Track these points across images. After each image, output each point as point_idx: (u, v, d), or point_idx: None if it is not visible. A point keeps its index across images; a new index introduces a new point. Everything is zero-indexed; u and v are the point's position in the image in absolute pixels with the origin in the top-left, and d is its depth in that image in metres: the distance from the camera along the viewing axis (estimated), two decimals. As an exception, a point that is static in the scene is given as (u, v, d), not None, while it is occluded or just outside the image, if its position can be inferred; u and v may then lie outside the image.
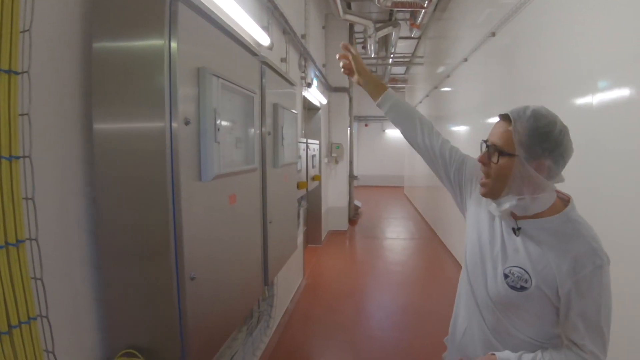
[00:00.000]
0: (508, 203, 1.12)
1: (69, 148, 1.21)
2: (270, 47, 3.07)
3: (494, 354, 1.12)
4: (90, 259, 1.28)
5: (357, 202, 9.70)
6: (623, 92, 2.01)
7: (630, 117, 1.93)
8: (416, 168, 11.14)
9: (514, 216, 1.17)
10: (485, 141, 1.14)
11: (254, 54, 1.88)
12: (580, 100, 2.37)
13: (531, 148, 1.06)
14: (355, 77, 1.49)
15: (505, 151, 1.09)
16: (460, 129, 5.69)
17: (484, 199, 1.24)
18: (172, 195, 1.15)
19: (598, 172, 2.15)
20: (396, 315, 4.24)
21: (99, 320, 1.30)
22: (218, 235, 1.43)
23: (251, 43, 1.81)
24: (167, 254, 1.17)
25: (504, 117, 1.12)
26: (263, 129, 1.96)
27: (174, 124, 1.14)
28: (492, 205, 1.18)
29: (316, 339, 3.66)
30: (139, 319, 1.25)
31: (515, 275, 1.12)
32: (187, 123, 1.18)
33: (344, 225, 8.26)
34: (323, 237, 7.20)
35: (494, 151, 1.11)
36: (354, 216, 9.08)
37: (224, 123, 1.41)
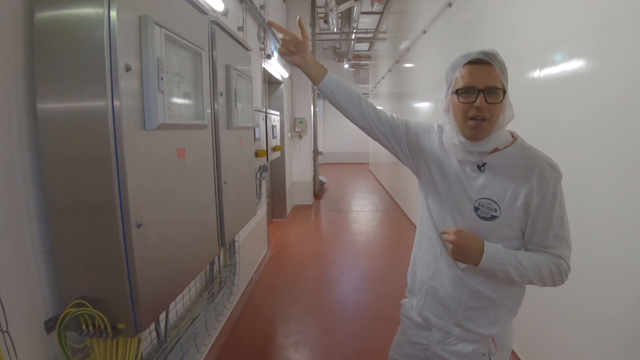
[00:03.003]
0: (503, 137, 1.22)
1: (11, 101, 1.19)
2: (225, 13, 3.03)
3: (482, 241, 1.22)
4: (38, 211, 1.27)
5: (322, 178, 9.79)
6: (579, 63, 2.05)
7: (587, 87, 1.99)
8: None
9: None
10: (478, 88, 1.16)
11: (203, 12, 1.86)
12: (538, 73, 2.41)
13: (506, 82, 1.19)
14: (295, 58, 1.36)
15: (505, 89, 1.18)
16: (423, 105, 5.76)
17: (440, 152, 1.35)
18: (115, 142, 1.15)
19: (559, 142, 2.21)
20: (359, 280, 4.38)
21: (49, 272, 1.30)
22: (166, 186, 1.44)
23: (202, 4, 1.80)
24: (112, 201, 1.18)
25: (479, 62, 1.17)
26: (214, 89, 1.96)
27: (114, 71, 1.14)
28: (466, 148, 1.24)
29: (281, 305, 3.74)
30: (90, 269, 1.25)
31: (485, 207, 1.23)
32: (127, 69, 1.18)
33: (309, 199, 8.34)
34: (288, 212, 7.26)
35: (497, 92, 1.16)
36: (319, 191, 9.17)
37: (170, 75, 1.42)
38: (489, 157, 1.24)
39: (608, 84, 1.83)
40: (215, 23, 1.97)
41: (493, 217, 1.23)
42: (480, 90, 1.15)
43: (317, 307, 3.72)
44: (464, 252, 1.21)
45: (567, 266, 1.22)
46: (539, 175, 1.19)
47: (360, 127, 1.44)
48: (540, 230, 1.21)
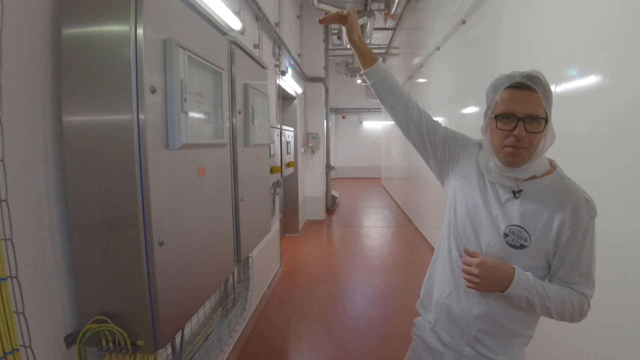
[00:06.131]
0: (542, 165, 1.18)
1: (38, 119, 1.23)
2: (242, 32, 3.09)
3: (514, 267, 1.17)
4: (60, 227, 1.30)
5: (334, 193, 9.79)
6: (590, 79, 2.06)
7: (598, 102, 1.99)
8: (393, 159, 11.29)
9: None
10: (518, 117, 1.12)
11: (223, 33, 1.91)
12: (553, 89, 2.40)
13: (550, 108, 1.14)
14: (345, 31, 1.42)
15: (548, 118, 1.13)
16: (436, 120, 5.69)
17: (474, 169, 1.30)
18: (140, 161, 1.18)
19: (572, 157, 2.20)
20: (371, 297, 4.34)
21: (70, 287, 1.33)
22: (187, 204, 1.46)
23: (221, 24, 1.85)
24: (135, 219, 1.20)
25: (523, 86, 1.12)
26: (233, 107, 1.99)
27: (140, 92, 1.17)
28: (501, 173, 1.21)
29: (293, 321, 3.73)
30: (110, 285, 1.28)
31: (515, 234, 1.18)
32: (153, 91, 1.21)
33: (321, 214, 8.34)
34: (300, 227, 7.26)
35: (538, 121, 1.12)
36: (331, 206, 9.17)
37: (191, 95, 1.45)
38: (526, 184, 1.20)
39: (620, 99, 1.83)
40: (234, 43, 2.01)
41: (522, 247, 1.18)
42: (521, 119, 1.11)
43: (329, 323, 3.70)
44: (488, 284, 1.17)
45: (589, 305, 1.18)
46: (573, 209, 1.14)
47: (399, 122, 1.46)
48: (567, 265, 1.17)
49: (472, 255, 1.22)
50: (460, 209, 1.31)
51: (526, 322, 1.27)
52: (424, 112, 1.43)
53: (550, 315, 1.18)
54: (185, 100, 1.34)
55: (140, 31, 1.18)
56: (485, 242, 1.23)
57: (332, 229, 7.78)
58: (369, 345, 3.27)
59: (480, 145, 1.35)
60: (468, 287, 1.21)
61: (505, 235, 1.19)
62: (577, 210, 1.14)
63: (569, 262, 1.17)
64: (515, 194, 1.20)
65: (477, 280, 1.17)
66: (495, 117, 1.16)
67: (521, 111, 1.11)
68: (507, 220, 1.20)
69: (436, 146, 1.40)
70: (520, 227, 1.18)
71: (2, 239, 1.05)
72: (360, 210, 9.86)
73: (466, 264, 1.22)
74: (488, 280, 1.16)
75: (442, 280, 1.37)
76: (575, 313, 1.16)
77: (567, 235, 1.15)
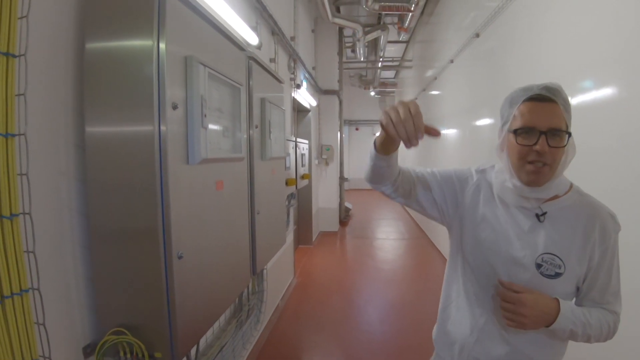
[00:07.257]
0: (563, 183, 1.11)
1: (61, 133, 1.26)
2: (259, 47, 3.14)
3: (556, 298, 1.07)
4: (81, 239, 1.32)
5: (347, 204, 9.77)
6: (605, 91, 2.05)
7: (612, 115, 1.98)
8: (406, 170, 11.22)
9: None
10: (540, 130, 1.02)
11: (241, 48, 1.94)
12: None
13: (570, 121, 1.06)
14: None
15: (570, 131, 1.05)
16: (450, 132, 5.76)
17: (484, 199, 1.19)
18: (160, 175, 1.21)
19: (585, 170, 2.18)
20: (384, 310, 4.30)
21: (89, 298, 1.35)
22: (205, 218, 1.48)
23: (239, 39, 1.88)
24: (155, 232, 1.22)
25: (542, 98, 1.04)
26: (250, 121, 2.02)
27: (162, 109, 1.20)
28: (521, 193, 1.10)
29: (306, 333, 3.72)
30: (129, 297, 1.29)
31: (548, 263, 1.08)
32: (174, 107, 1.24)
33: (334, 226, 8.31)
34: (314, 238, 7.25)
35: (561, 135, 1.03)
36: (344, 217, 9.14)
37: (211, 111, 1.48)
38: (549, 206, 1.11)
39: (635, 111, 1.81)
40: (252, 58, 2.05)
41: (557, 275, 1.08)
42: (543, 132, 1.01)
43: (342, 336, 3.67)
44: (534, 322, 1.06)
45: (619, 321, 1.12)
46: (601, 228, 1.08)
47: (403, 201, 1.27)
48: (600, 286, 1.10)
49: (511, 288, 1.08)
50: (474, 247, 1.19)
51: (557, 353, 1.18)
52: (415, 177, 1.26)
53: (588, 341, 1.10)
54: (205, 116, 1.37)
55: (162, 47, 1.20)
56: (514, 277, 1.12)
57: (345, 241, 7.75)
58: (382, 358, 3.24)
59: (483, 173, 1.24)
60: (509, 325, 1.08)
61: (538, 265, 1.09)
62: (605, 228, 1.08)
63: (601, 282, 1.10)
64: (539, 217, 1.11)
65: (524, 320, 1.05)
66: (515, 131, 1.06)
67: (543, 124, 1.02)
68: (536, 249, 1.10)
69: (434, 193, 1.25)
70: (552, 254, 1.09)
71: (25, 251, 1.08)
72: (374, 222, 9.82)
73: (506, 301, 1.08)
74: (534, 318, 1.05)
75: (463, 326, 1.22)
76: (609, 333, 1.11)
77: (597, 255, 1.09)
